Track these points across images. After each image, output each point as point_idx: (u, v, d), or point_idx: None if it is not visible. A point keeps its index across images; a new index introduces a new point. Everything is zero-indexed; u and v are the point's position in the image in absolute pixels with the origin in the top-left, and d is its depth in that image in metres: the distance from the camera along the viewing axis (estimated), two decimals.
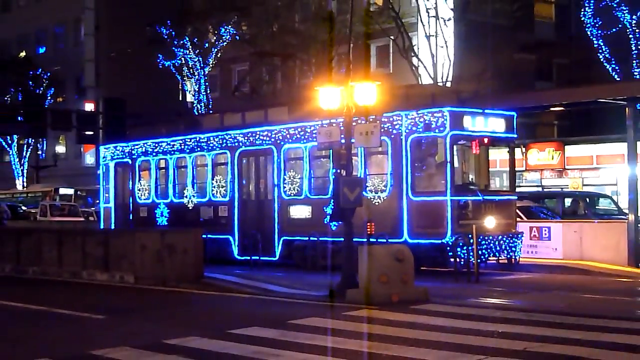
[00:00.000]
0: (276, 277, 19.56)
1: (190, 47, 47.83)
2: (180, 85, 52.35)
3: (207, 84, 48.25)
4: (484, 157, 22.11)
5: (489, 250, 19.97)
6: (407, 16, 36.76)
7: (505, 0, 37.39)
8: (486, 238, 19.75)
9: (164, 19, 47.68)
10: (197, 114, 46.35)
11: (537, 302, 15.08)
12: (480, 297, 15.85)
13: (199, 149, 25.88)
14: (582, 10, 36.76)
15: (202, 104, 47.94)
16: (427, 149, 20.56)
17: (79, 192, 52.26)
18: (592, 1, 36.32)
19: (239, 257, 24.09)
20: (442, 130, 19.78)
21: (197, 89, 48.49)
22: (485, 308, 14.34)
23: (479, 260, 18.98)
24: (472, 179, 21.95)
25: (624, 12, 35.49)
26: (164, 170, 27.24)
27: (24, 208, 46.29)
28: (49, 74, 60.41)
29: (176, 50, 47.86)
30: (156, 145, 27.47)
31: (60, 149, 66.22)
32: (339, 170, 16.78)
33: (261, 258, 22.62)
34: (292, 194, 23.00)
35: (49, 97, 58.17)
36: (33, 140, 59.86)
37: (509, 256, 20.76)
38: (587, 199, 28.29)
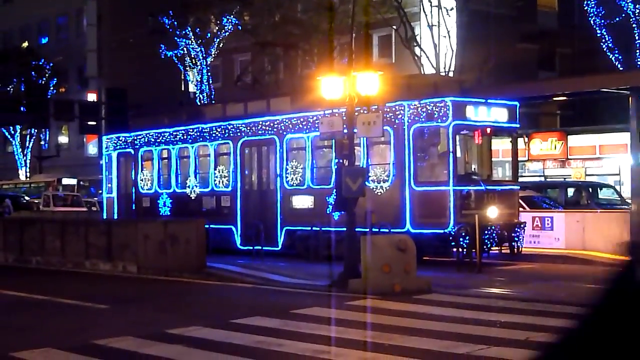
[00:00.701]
0: (279, 267, 19.58)
1: (192, 37, 47.81)
2: (182, 75, 52.33)
3: (209, 74, 48.23)
4: (487, 147, 22.08)
5: (491, 240, 19.95)
6: (409, 6, 36.67)
7: None
8: (489, 228, 19.74)
9: (166, 9, 47.65)
10: (199, 104, 46.36)
11: (539, 292, 15.09)
12: (483, 287, 15.86)
13: (201, 139, 25.87)
14: None
15: (205, 94, 47.95)
16: (429, 139, 20.54)
17: (81, 183, 52.30)
18: None
19: (241, 247, 24.10)
20: (445, 120, 19.76)
21: (199, 79, 48.49)
22: (488, 298, 14.35)
23: (481, 250, 18.99)
24: (474, 169, 21.94)
25: (627, 1, 35.37)
26: (166, 160, 27.24)
27: (27, 198, 46.33)
28: (51, 64, 60.40)
29: (178, 40, 47.84)
30: (159, 135, 27.47)
31: (63, 139, 66.23)
32: (341, 160, 16.78)
33: (264, 248, 22.62)
34: (294, 184, 23.00)
35: (52, 88, 58.16)
36: (36, 130, 59.82)
37: (511, 246, 20.75)
38: (590, 189, 28.27)
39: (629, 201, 22.79)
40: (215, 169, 25.29)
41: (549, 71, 44.22)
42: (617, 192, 29.05)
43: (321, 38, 36.48)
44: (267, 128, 23.74)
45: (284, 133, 23.27)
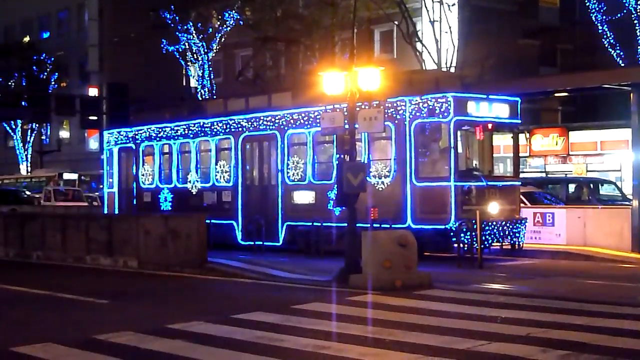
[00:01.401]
0: (279, 262, 19.57)
1: (194, 32, 47.82)
2: (183, 70, 52.33)
3: (210, 69, 48.23)
4: (488, 143, 22.05)
5: (492, 236, 19.94)
6: (411, 1, 36.66)
7: None
8: (490, 224, 19.74)
9: (167, 3, 47.64)
10: (200, 99, 46.38)
11: (540, 288, 15.10)
12: (484, 283, 15.86)
13: (202, 134, 25.87)
14: None
15: (206, 89, 47.95)
16: (430, 135, 20.52)
17: (82, 177, 52.35)
18: None
19: (242, 242, 24.11)
20: (446, 115, 19.74)
21: (200, 74, 48.49)
22: (489, 293, 14.35)
23: (482, 246, 18.99)
24: (475, 164, 21.90)
25: None
26: (167, 155, 27.23)
27: (28, 193, 46.33)
28: (52, 59, 60.43)
29: (180, 35, 47.86)
30: (160, 130, 27.46)
31: (64, 134, 66.24)
32: (342, 156, 16.77)
33: (265, 243, 22.64)
34: (295, 180, 23.00)
35: (53, 82, 58.22)
36: (37, 125, 59.90)
37: (512, 242, 20.73)
38: (591, 185, 28.26)
39: (630, 197, 22.78)
40: (216, 164, 25.28)
41: (551, 67, 44.24)
42: (618, 188, 29.05)
43: (323, 33, 36.49)
44: (269, 123, 23.73)
45: (285, 128, 23.26)
